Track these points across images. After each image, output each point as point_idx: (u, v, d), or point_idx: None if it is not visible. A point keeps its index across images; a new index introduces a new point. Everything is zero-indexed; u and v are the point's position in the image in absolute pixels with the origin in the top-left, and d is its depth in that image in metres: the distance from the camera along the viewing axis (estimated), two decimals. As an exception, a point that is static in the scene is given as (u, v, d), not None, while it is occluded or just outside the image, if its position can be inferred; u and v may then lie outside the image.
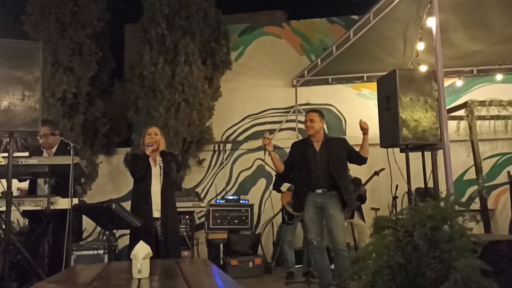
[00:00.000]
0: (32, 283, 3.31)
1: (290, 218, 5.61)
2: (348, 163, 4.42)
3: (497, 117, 5.29)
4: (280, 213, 6.06)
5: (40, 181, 4.51)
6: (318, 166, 4.22)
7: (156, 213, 4.31)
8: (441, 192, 4.85)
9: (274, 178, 6.17)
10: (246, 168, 7.44)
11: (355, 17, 7.23)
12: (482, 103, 5.20)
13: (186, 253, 5.47)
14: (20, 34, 6.58)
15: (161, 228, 4.31)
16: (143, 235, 4.04)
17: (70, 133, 6.35)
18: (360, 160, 4.33)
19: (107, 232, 4.45)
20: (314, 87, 7.75)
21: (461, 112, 5.31)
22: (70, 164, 3.83)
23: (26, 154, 4.75)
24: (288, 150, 4.60)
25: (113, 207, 3.83)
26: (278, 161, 4.43)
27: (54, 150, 4.57)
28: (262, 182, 7.35)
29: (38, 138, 4.51)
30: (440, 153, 4.55)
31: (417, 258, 2.75)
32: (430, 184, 5.01)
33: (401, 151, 4.64)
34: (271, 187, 6.68)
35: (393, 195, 5.40)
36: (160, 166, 4.42)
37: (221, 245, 6.08)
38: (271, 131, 7.70)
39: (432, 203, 2.92)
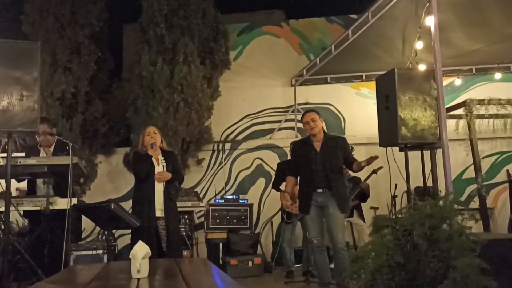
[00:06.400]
0: (31, 283, 3.31)
1: (288, 217, 5.61)
2: None
3: (496, 116, 5.29)
4: (280, 212, 6.07)
5: (40, 181, 4.50)
6: (319, 167, 4.22)
7: (159, 212, 4.33)
8: (440, 191, 4.85)
9: (273, 177, 6.17)
10: (245, 168, 7.44)
11: (354, 16, 7.23)
12: (481, 102, 5.20)
13: (185, 252, 5.47)
14: (18, 34, 6.57)
15: (163, 227, 4.32)
16: (145, 234, 4.06)
17: (69, 133, 6.34)
18: (351, 169, 4.36)
19: (106, 232, 4.45)
20: (313, 87, 7.76)
21: (460, 111, 5.31)
22: (69, 164, 3.83)
23: (23, 154, 4.74)
24: (287, 150, 4.61)
25: (112, 207, 3.83)
26: (292, 185, 4.46)
27: (51, 149, 4.56)
28: (261, 182, 7.35)
29: (36, 136, 4.50)
30: (439, 152, 4.55)
31: (416, 257, 2.75)
32: (429, 183, 5.01)
33: (400, 150, 4.64)
34: (270, 186, 6.69)
35: (392, 194, 5.39)
36: (163, 166, 4.43)
37: (221, 244, 6.08)
38: (270, 131, 7.72)
39: (431, 202, 2.92)
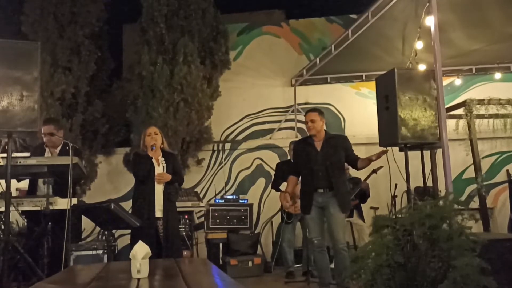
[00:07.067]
0: (31, 283, 3.31)
1: (288, 217, 5.61)
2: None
3: (496, 116, 5.29)
4: (280, 212, 6.06)
5: (40, 181, 4.50)
6: (319, 166, 4.21)
7: (159, 213, 4.33)
8: (440, 191, 4.85)
9: (273, 177, 6.17)
10: (245, 168, 7.44)
11: (354, 16, 7.23)
12: (481, 102, 5.20)
13: (185, 253, 5.47)
14: (18, 34, 6.57)
15: (162, 227, 4.32)
16: (145, 234, 4.06)
17: (69, 133, 6.34)
18: (354, 166, 4.34)
19: (106, 232, 4.46)
20: (313, 87, 7.76)
21: (460, 111, 5.31)
22: (69, 164, 3.83)
23: (26, 154, 4.73)
24: (287, 150, 4.60)
25: (112, 207, 3.83)
26: (294, 185, 4.46)
27: (58, 150, 4.56)
28: (261, 182, 7.35)
29: (42, 136, 4.50)
30: (439, 152, 4.55)
31: (416, 257, 2.75)
32: (429, 183, 5.01)
33: (400, 150, 4.63)
34: (270, 186, 6.69)
35: (392, 194, 5.39)
36: (163, 167, 4.43)
37: (221, 244, 6.08)
38: (270, 131, 7.72)
39: (431, 202, 2.92)
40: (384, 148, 4.17)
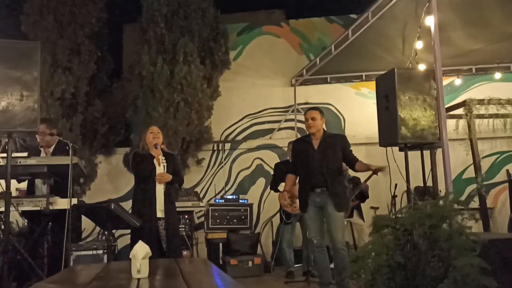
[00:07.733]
0: (32, 283, 3.31)
1: (287, 218, 5.61)
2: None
3: (495, 116, 5.30)
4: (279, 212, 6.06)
5: (38, 181, 4.50)
6: (316, 165, 4.20)
7: (159, 213, 4.33)
8: (440, 191, 4.85)
9: (272, 177, 6.17)
10: (245, 168, 7.44)
11: (354, 16, 7.23)
12: (480, 102, 5.20)
13: (185, 252, 5.47)
14: (18, 34, 6.57)
15: (163, 228, 4.32)
16: (145, 234, 4.06)
17: (69, 133, 6.35)
18: (352, 167, 4.33)
19: (106, 232, 4.45)
20: (313, 86, 7.76)
21: (460, 111, 5.31)
22: (69, 164, 3.83)
23: (25, 154, 4.73)
24: (286, 149, 4.60)
25: (112, 207, 3.82)
26: (292, 183, 4.48)
27: (51, 149, 4.56)
28: (261, 182, 7.35)
29: (37, 136, 4.50)
30: (439, 151, 4.54)
31: (416, 257, 2.75)
32: (429, 183, 5.01)
33: (400, 150, 4.64)
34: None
35: (392, 194, 5.39)
36: (164, 166, 4.43)
37: (221, 244, 6.08)
38: (270, 131, 7.72)
39: (431, 202, 2.92)
40: (386, 166, 4.19)
